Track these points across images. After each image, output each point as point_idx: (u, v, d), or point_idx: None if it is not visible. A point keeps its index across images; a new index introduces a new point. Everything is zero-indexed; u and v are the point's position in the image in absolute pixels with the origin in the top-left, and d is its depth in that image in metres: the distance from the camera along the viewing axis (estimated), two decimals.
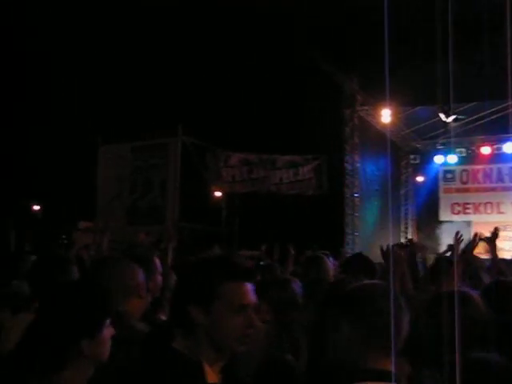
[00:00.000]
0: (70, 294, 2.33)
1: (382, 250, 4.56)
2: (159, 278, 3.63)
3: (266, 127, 14.37)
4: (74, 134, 17.72)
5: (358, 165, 14.69)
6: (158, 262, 3.67)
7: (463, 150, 16.61)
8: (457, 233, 4.96)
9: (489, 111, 15.21)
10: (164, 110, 16.06)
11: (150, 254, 4.01)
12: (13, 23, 15.66)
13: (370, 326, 2.21)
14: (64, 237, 20.43)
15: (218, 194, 16.37)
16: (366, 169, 15.09)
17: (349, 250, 13.86)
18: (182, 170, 14.92)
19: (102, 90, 16.55)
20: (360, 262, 5.02)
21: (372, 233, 14.92)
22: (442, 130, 15.87)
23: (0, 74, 16.40)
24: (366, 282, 2.59)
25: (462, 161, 16.87)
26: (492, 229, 5.88)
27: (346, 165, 14.57)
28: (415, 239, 15.51)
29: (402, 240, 15.67)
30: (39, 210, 24.77)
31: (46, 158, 19.83)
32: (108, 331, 2.27)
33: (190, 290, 2.15)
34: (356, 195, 14.52)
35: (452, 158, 16.80)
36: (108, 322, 2.28)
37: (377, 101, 14.27)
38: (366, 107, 14.74)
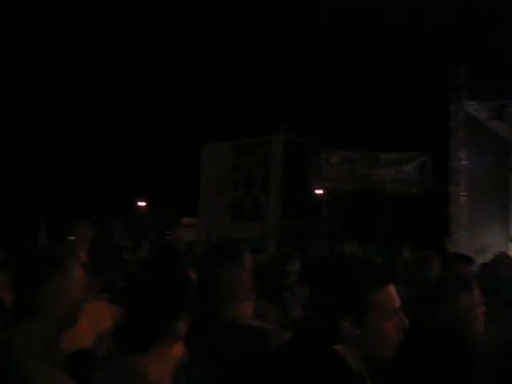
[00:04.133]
0: (161, 280, 2.45)
1: None
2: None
3: (368, 124, 14.22)
4: (178, 133, 18.24)
5: (464, 162, 14.20)
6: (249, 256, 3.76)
7: None
8: None
9: None
10: (266, 108, 16.24)
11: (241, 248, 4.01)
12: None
13: None
14: (168, 232, 21.12)
15: (319, 191, 16.33)
16: (472, 166, 14.57)
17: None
18: (285, 168, 15.00)
19: (207, 91, 16.93)
20: None
21: (478, 234, 14.40)
22: None
23: (106, 71, 17.10)
24: None
25: None
26: None
27: (450, 162, 14.13)
28: None
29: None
30: (144, 206, 25.71)
31: (152, 158, 20.53)
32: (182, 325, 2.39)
33: (340, 304, 2.07)
34: (462, 194, 14.04)
35: None
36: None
37: (484, 94, 13.76)
38: (473, 101, 14.22)
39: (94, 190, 20.74)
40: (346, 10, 13.13)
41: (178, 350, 2.31)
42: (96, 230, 6.63)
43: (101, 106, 19.39)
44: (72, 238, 6.27)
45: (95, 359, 3.10)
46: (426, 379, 2.44)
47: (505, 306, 3.54)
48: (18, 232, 13.92)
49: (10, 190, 19.82)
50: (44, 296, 2.31)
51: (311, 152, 15.64)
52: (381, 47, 13.81)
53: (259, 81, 16.45)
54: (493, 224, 14.74)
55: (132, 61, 17.76)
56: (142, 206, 25.74)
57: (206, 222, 15.63)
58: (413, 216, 14.49)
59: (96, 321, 3.47)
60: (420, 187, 14.76)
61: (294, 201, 15.15)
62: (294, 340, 2.51)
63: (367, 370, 2.05)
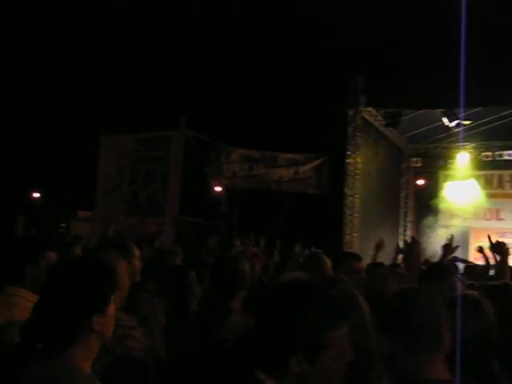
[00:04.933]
0: (79, 270, 2.33)
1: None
2: (137, 263, 3.74)
3: (269, 124, 14.39)
4: (76, 123, 17.75)
5: (359, 166, 14.69)
6: (135, 247, 3.79)
7: (466, 154, 16.64)
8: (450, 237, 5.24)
9: (492, 117, 15.27)
10: (168, 102, 16.07)
11: (127, 240, 4.18)
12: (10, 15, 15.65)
13: (414, 340, 2.18)
14: (63, 225, 20.48)
15: (218, 188, 16.38)
16: (366, 170, 15.11)
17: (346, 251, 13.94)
18: (184, 164, 14.94)
19: (107, 81, 16.55)
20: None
21: (370, 234, 14.96)
22: (444, 134, 15.91)
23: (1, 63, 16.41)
24: (404, 288, 2.49)
25: (464, 165, 16.90)
26: (490, 235, 6.03)
27: (347, 165, 14.58)
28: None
29: (400, 243, 15.69)
30: (39, 197, 24.82)
31: (47, 147, 19.86)
32: (113, 307, 2.29)
33: (293, 340, 1.83)
34: (356, 196, 14.54)
35: (453, 163, 16.85)
36: (113, 297, 2.31)
37: (381, 102, 14.29)
38: (369, 108, 14.75)
39: None
40: (250, 10, 13.26)
41: (95, 345, 2.24)
42: None
43: None
44: None
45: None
46: None
47: None
48: None
49: None
50: None
51: (211, 149, 15.68)
52: (285, 50, 14.03)
53: (161, 74, 16.28)
54: (384, 225, 15.36)
55: (29, 48, 17.11)
56: (36, 197, 24.89)
57: (101, 215, 15.33)
58: (309, 216, 14.82)
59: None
60: (317, 188, 15.12)
61: (192, 197, 15.11)
62: (226, 368, 2.43)
63: None
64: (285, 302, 1.88)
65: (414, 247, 5.34)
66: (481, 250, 7.44)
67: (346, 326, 1.88)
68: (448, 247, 5.51)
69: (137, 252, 3.75)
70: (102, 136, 16.24)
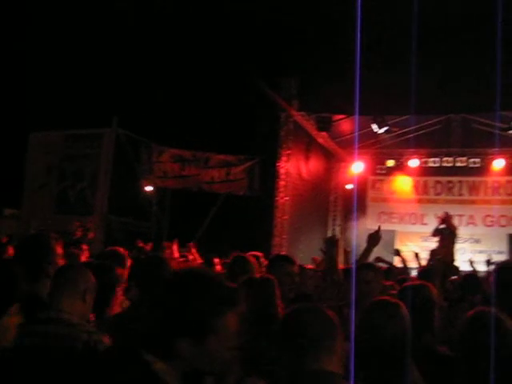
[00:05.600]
0: None
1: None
2: (60, 262, 3.78)
3: (202, 125, 14.36)
4: (3, 120, 17.21)
5: (290, 168, 14.86)
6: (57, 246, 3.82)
7: (392, 161, 17.11)
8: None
9: (419, 126, 15.75)
10: (100, 100, 15.79)
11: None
12: None
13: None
14: None
15: (149, 188, 16.22)
16: (297, 173, 15.31)
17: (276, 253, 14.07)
18: (115, 162, 14.74)
19: (38, 78, 16.12)
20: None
21: (299, 237, 15.15)
22: (373, 140, 16.29)
23: None
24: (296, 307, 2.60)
25: (391, 171, 17.37)
26: (415, 239, 6.26)
27: (278, 168, 14.71)
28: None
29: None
30: None
31: None
32: (16, 318, 2.22)
33: (179, 323, 1.93)
34: (286, 198, 14.69)
35: (381, 168, 17.31)
36: (16, 307, 2.23)
37: (313, 107, 14.49)
38: (302, 112, 14.94)
39: None
40: (181, 9, 13.20)
41: None
42: None
43: None
44: None
45: None
46: None
47: None
48: None
49: None
50: None
51: (143, 148, 15.55)
52: (220, 51, 14.03)
53: (94, 70, 15.99)
54: (313, 227, 15.59)
55: None
56: None
57: (28, 212, 14.96)
58: (240, 218, 14.86)
59: None
60: (248, 190, 15.19)
61: (122, 196, 14.91)
62: (114, 350, 2.39)
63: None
64: (176, 289, 1.99)
65: (329, 248, 5.40)
66: (397, 253, 7.64)
67: (234, 314, 1.99)
68: (373, 237, 5.53)
69: (58, 250, 3.71)
70: (31, 133, 15.85)
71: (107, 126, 14.74)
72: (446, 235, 14.00)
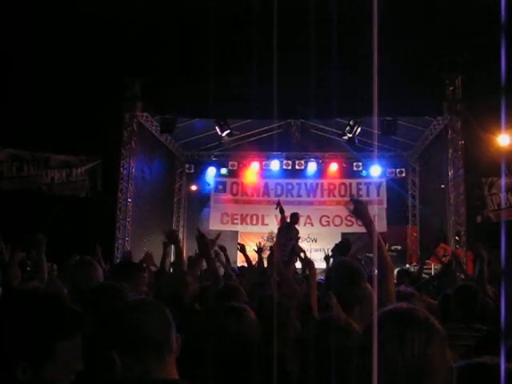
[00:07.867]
0: None
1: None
2: None
3: (42, 124, 13.74)
4: None
5: (134, 170, 14.73)
6: None
7: (235, 163, 17.56)
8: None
9: (260, 129, 16.33)
10: None
11: None
12: None
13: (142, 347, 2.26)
14: None
15: None
16: (141, 175, 15.21)
17: (118, 256, 13.87)
18: None
19: None
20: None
21: (142, 239, 15.07)
22: (216, 143, 16.60)
23: None
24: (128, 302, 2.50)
25: (233, 173, 17.82)
26: (256, 239, 6.45)
27: (121, 169, 14.53)
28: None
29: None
30: None
31: None
32: None
33: (17, 348, 1.84)
34: (129, 200, 14.54)
35: (224, 170, 17.69)
36: None
37: (157, 109, 14.49)
38: (145, 113, 14.88)
39: None
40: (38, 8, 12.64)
41: None
42: None
43: None
44: None
45: None
46: None
47: None
48: None
49: None
50: None
51: None
52: (63, 47, 13.50)
53: None
54: (157, 229, 15.54)
55: None
56: None
57: None
58: (81, 220, 14.43)
59: None
60: (90, 192, 14.82)
61: None
62: None
63: None
64: (12, 311, 1.91)
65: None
66: (242, 249, 7.82)
67: (75, 338, 1.93)
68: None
69: None
70: None
71: None
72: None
